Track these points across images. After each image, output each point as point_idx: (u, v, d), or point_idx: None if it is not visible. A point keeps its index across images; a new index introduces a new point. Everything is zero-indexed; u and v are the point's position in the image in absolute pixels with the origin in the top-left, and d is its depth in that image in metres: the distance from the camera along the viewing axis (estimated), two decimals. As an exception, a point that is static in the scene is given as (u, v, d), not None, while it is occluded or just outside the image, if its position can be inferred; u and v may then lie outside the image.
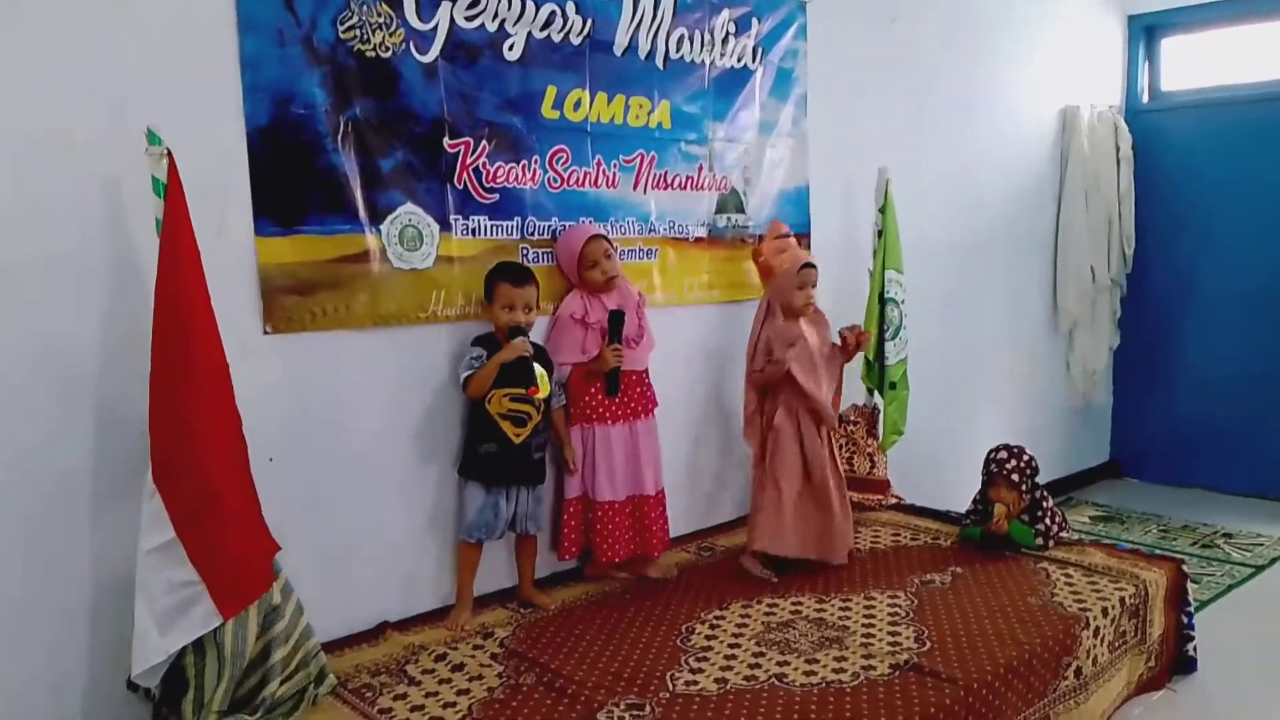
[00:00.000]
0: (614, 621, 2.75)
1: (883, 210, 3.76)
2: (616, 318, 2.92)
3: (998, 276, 4.81)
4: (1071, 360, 5.36)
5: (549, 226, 3.01)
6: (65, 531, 2.21)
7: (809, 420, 3.15)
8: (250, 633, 2.18)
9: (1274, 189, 4.94)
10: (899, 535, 3.49)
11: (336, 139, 2.53)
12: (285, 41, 2.44)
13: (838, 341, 3.25)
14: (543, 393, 2.72)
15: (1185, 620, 3.15)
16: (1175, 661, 3.13)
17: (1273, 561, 4.13)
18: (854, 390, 3.92)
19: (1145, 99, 5.47)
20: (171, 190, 2.06)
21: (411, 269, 2.71)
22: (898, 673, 2.39)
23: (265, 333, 2.47)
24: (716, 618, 2.76)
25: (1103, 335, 5.40)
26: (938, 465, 4.30)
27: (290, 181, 2.48)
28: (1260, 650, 3.32)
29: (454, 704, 2.27)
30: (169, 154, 2.05)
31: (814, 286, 3.18)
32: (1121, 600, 2.87)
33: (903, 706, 2.21)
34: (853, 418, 3.83)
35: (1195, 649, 3.15)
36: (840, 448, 3.79)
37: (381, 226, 2.65)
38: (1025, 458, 3.27)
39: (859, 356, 3.71)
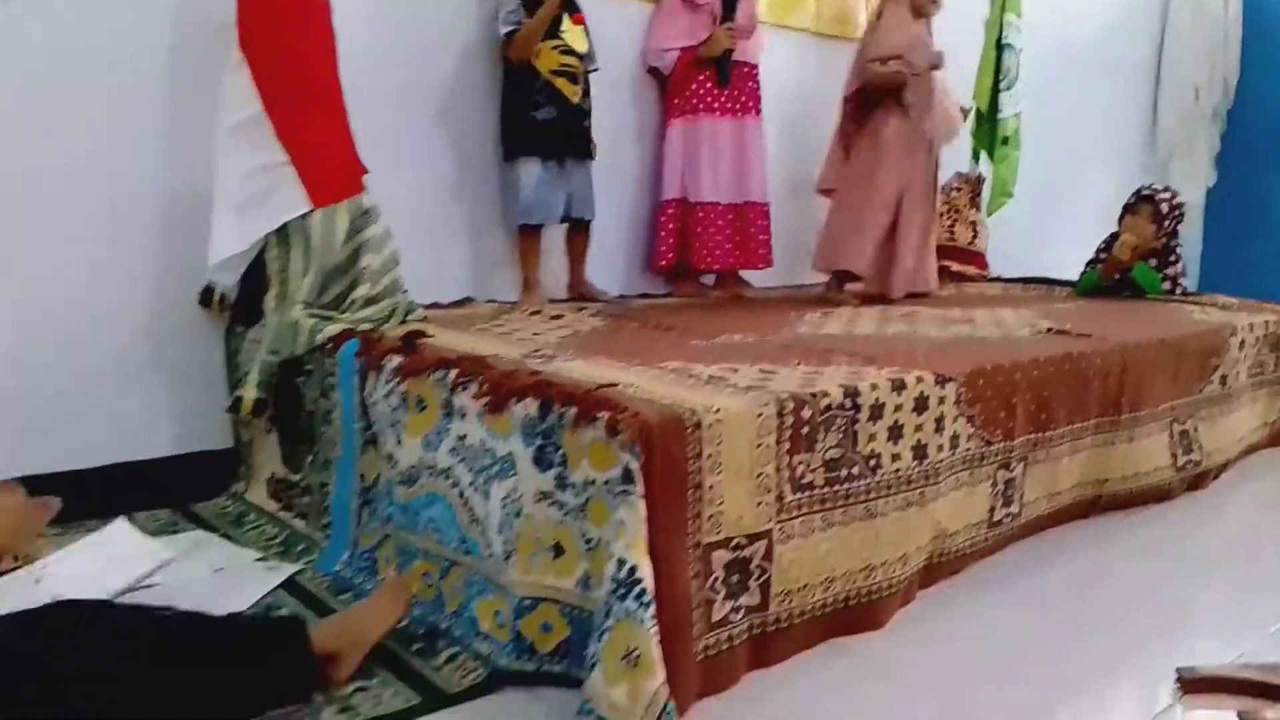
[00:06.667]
0: (716, 311, 2.53)
1: (1001, -55, 3.47)
2: (730, -9, 2.67)
3: (1093, 90, 4.49)
4: (1166, 194, 5.05)
5: (653, -102, 2.75)
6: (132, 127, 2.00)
7: (918, 134, 2.79)
8: (339, 228, 1.97)
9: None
10: (1009, 289, 3.25)
11: None
12: None
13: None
14: (581, 46, 2.44)
15: (1319, 377, 2.91)
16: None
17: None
18: (959, 156, 3.66)
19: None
20: None
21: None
22: (1042, 335, 2.17)
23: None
24: (824, 314, 2.53)
25: (1200, 170, 5.08)
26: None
27: None
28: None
29: (558, 329, 2.07)
30: None
31: None
32: (1266, 323, 2.63)
33: (1061, 348, 1.99)
34: (955, 185, 3.57)
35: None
36: (942, 215, 3.55)
37: None
38: (1177, 199, 2.98)
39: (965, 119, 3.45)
